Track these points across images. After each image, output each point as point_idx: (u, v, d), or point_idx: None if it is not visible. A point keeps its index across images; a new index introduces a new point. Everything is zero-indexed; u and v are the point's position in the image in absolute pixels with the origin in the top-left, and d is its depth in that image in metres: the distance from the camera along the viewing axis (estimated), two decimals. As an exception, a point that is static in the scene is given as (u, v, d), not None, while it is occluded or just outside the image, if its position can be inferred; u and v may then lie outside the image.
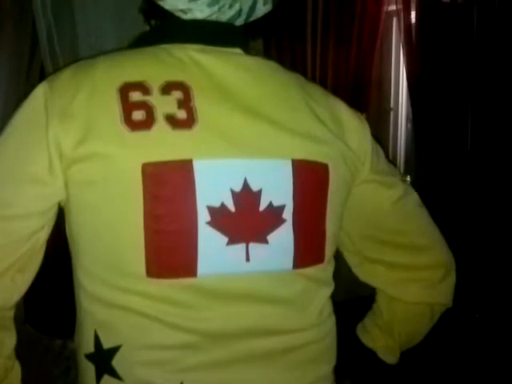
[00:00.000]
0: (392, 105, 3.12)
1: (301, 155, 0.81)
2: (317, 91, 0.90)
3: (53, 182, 0.76)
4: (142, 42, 0.85)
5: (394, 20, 2.92)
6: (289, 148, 0.81)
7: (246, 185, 0.78)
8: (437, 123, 2.73)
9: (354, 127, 0.89)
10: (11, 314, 0.82)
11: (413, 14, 2.78)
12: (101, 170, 0.74)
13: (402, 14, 2.77)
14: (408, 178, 2.92)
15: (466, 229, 2.61)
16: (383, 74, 3.10)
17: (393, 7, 2.86)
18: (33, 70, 2.75)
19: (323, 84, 2.84)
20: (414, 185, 1.48)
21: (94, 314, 0.79)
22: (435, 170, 2.74)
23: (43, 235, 0.80)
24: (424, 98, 2.76)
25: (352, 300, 1.89)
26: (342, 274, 0.96)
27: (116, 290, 0.77)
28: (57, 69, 1.49)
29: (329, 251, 0.87)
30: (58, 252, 0.97)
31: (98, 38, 1.62)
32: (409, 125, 3.07)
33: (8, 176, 0.77)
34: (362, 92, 2.93)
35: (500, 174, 2.58)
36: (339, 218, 0.89)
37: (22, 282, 0.80)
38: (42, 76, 1.56)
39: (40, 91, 0.77)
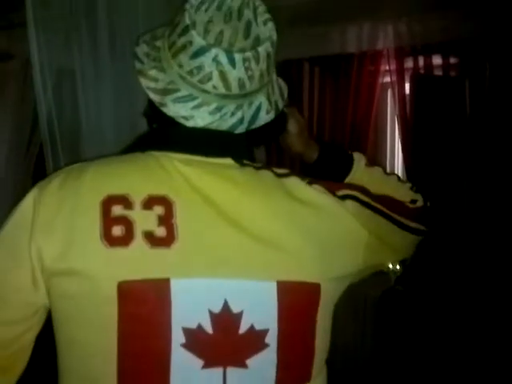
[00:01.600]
0: (388, 173, 3.15)
1: (288, 276, 0.78)
2: (308, 195, 0.85)
3: (36, 291, 0.77)
4: (137, 147, 0.86)
5: (389, 91, 3.00)
6: (275, 268, 0.78)
7: (225, 306, 0.76)
8: (433, 192, 2.75)
9: (347, 224, 0.85)
10: None
11: (407, 86, 2.86)
12: (78, 286, 0.74)
13: (396, 86, 2.86)
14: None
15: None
16: (379, 144, 3.16)
17: (387, 79, 2.95)
18: (33, 144, 2.82)
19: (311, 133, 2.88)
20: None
21: None
22: (429, 244, 2.73)
23: (31, 335, 0.81)
24: (419, 168, 2.80)
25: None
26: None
27: None
28: (54, 146, 1.57)
29: (317, 366, 0.84)
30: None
31: (98, 123, 1.67)
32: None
33: None
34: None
35: (497, 233, 2.59)
36: (329, 328, 0.87)
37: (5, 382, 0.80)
38: (41, 150, 1.58)
39: (30, 201, 0.78)
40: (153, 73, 0.83)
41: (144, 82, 0.84)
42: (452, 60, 2.77)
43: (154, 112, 0.84)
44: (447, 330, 2.56)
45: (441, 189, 2.71)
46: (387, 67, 2.90)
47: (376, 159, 3.13)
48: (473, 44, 2.66)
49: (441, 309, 2.62)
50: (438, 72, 2.80)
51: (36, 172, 2.84)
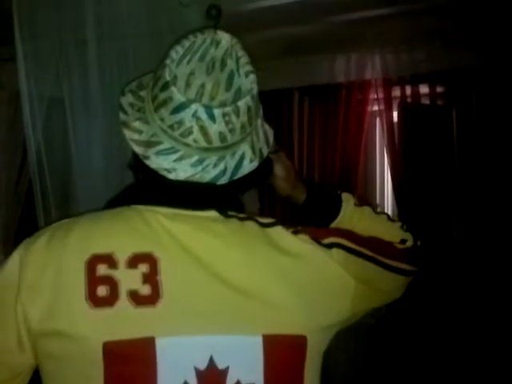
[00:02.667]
0: (378, 201, 3.18)
1: (273, 329, 0.78)
2: (293, 245, 0.84)
3: (22, 353, 0.76)
4: (123, 200, 0.86)
5: (378, 120, 3.03)
6: (260, 322, 0.78)
7: (211, 362, 0.76)
8: (422, 219, 2.77)
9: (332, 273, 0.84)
10: None
11: (395, 114, 2.89)
12: (63, 347, 0.74)
13: (384, 115, 2.89)
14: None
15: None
16: (368, 171, 3.18)
17: (376, 107, 2.99)
18: (21, 183, 2.82)
19: (300, 174, 2.90)
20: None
21: None
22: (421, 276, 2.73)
23: None
24: (409, 194, 2.82)
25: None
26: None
27: None
28: (43, 180, 1.56)
29: None
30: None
31: (89, 156, 1.67)
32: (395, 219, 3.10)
33: None
34: (348, 189, 2.97)
35: (487, 270, 2.59)
36: (318, 378, 0.86)
37: None
38: (30, 187, 1.57)
39: (16, 261, 0.78)
40: (137, 124, 0.84)
41: (128, 133, 0.84)
42: (439, 89, 2.81)
43: (137, 164, 0.84)
44: (440, 362, 2.56)
45: (430, 216, 2.73)
46: (375, 96, 2.93)
47: (366, 186, 3.15)
48: (459, 73, 2.70)
49: (432, 338, 2.61)
50: (426, 101, 2.83)
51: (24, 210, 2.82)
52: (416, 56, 2.67)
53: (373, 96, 2.96)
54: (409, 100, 2.86)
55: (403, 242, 0.98)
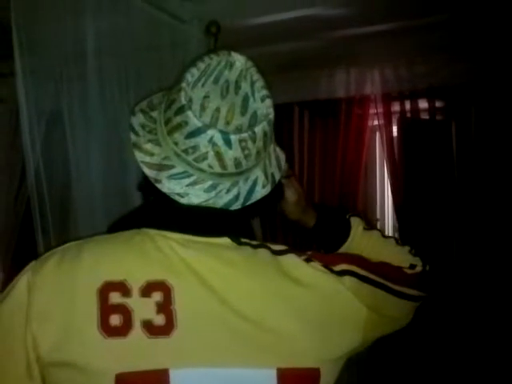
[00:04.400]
0: (378, 215, 3.17)
1: (287, 363, 0.77)
2: (305, 274, 0.82)
3: (29, 381, 0.74)
4: (131, 221, 0.84)
5: (377, 134, 3.04)
6: (274, 355, 0.77)
7: None
8: (422, 233, 2.76)
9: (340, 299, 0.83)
10: None
11: (394, 129, 2.90)
12: (73, 378, 0.72)
13: (383, 129, 2.89)
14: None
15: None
16: (369, 185, 3.17)
17: (375, 122, 2.99)
18: (18, 204, 2.82)
19: (310, 198, 2.90)
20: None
21: None
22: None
23: None
24: (409, 208, 2.82)
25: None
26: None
27: None
28: (41, 195, 1.56)
29: None
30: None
31: (88, 175, 1.67)
32: (396, 235, 3.10)
33: None
34: (348, 203, 2.98)
35: (487, 284, 2.58)
36: None
37: None
38: (29, 205, 1.56)
39: (24, 285, 0.76)
40: (148, 146, 0.82)
41: (139, 155, 0.82)
42: (438, 104, 2.81)
43: (148, 186, 0.82)
44: (438, 371, 2.54)
45: (430, 230, 2.72)
46: (375, 110, 2.94)
47: (366, 200, 3.15)
48: (458, 88, 2.71)
49: (432, 347, 2.60)
50: (425, 115, 2.84)
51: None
52: (415, 71, 2.69)
53: (372, 111, 2.97)
54: (408, 115, 2.86)
55: (412, 267, 0.96)
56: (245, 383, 0.75)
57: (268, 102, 0.82)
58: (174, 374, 0.72)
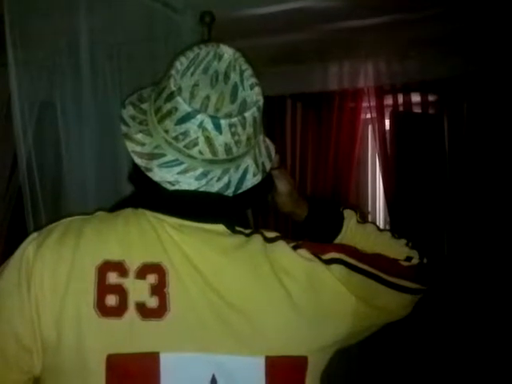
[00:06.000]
0: (370, 208, 3.18)
1: (276, 351, 0.78)
2: (293, 263, 0.82)
3: (35, 353, 0.75)
4: (128, 204, 0.85)
5: (370, 127, 3.05)
6: (262, 343, 0.78)
7: (213, 381, 0.76)
8: (413, 226, 2.78)
9: (333, 292, 0.83)
10: None
11: (387, 122, 2.91)
12: (66, 357, 0.73)
13: (376, 123, 2.90)
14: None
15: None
16: (361, 178, 3.18)
17: (368, 115, 3.00)
18: (11, 187, 2.79)
19: (302, 191, 2.92)
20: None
21: None
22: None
23: None
24: (400, 202, 2.83)
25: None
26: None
27: None
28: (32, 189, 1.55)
29: None
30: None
31: (80, 166, 1.66)
32: (387, 227, 3.11)
33: None
34: (340, 196, 2.99)
35: (478, 278, 2.60)
36: None
37: None
38: (20, 196, 1.56)
39: (30, 253, 0.76)
40: (139, 136, 0.83)
41: (130, 145, 0.83)
42: (431, 98, 2.83)
43: (139, 176, 0.83)
44: (432, 369, 2.56)
45: (421, 223, 2.74)
46: (368, 104, 2.95)
47: (358, 193, 3.16)
48: (451, 82, 2.72)
49: (423, 344, 2.62)
50: (417, 109, 2.85)
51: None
52: (408, 65, 2.69)
53: (365, 104, 2.97)
54: (401, 108, 2.87)
55: (409, 259, 0.96)
56: (233, 370, 0.76)
57: (257, 89, 0.83)
58: (164, 358, 0.73)
